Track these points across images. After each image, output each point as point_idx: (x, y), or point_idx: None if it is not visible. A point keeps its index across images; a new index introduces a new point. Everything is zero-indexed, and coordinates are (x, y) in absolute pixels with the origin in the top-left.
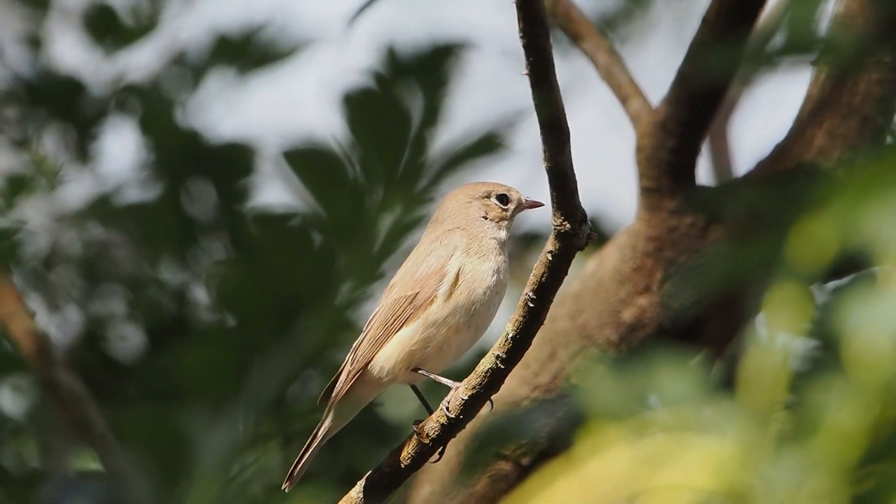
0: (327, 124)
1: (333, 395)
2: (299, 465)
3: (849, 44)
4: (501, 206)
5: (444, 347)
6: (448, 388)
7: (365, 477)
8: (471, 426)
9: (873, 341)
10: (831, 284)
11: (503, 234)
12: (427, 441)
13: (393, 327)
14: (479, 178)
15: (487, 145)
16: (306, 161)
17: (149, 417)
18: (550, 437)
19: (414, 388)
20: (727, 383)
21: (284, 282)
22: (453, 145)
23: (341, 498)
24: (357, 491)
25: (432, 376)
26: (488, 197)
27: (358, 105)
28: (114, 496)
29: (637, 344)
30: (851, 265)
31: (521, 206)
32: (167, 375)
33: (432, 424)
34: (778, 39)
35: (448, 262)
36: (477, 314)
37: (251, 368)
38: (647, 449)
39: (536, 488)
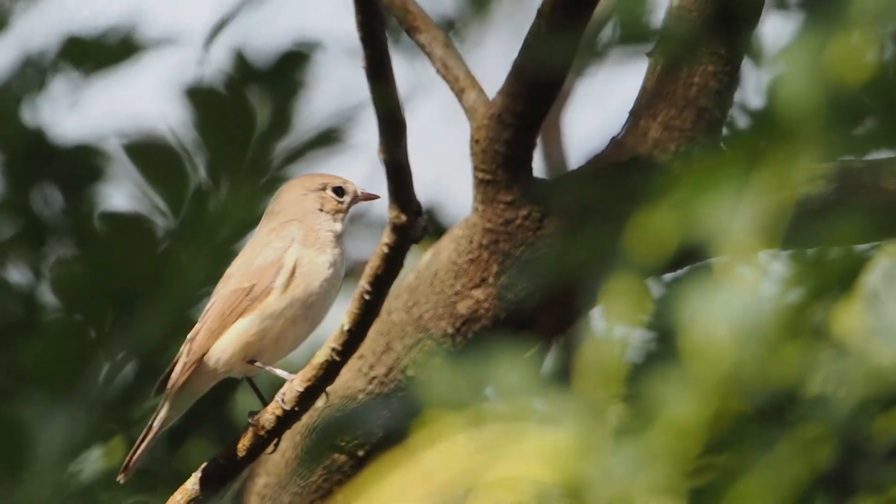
0: (172, 122)
1: (169, 385)
2: (134, 456)
3: (683, 35)
4: (337, 198)
5: (280, 339)
6: (283, 381)
7: (200, 468)
8: (307, 418)
9: (711, 333)
10: (667, 277)
11: (339, 226)
12: (262, 433)
13: (229, 319)
14: (317, 172)
15: (326, 139)
16: (146, 155)
17: None
18: (386, 430)
19: (249, 380)
20: (563, 374)
21: (125, 277)
22: (293, 141)
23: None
24: (192, 482)
25: (268, 368)
26: (324, 189)
27: (202, 102)
28: None
29: (473, 336)
30: (687, 257)
31: (356, 199)
32: (8, 369)
33: (268, 416)
34: (611, 31)
35: (285, 254)
36: (313, 306)
37: (90, 361)
38: (484, 440)
39: (373, 479)
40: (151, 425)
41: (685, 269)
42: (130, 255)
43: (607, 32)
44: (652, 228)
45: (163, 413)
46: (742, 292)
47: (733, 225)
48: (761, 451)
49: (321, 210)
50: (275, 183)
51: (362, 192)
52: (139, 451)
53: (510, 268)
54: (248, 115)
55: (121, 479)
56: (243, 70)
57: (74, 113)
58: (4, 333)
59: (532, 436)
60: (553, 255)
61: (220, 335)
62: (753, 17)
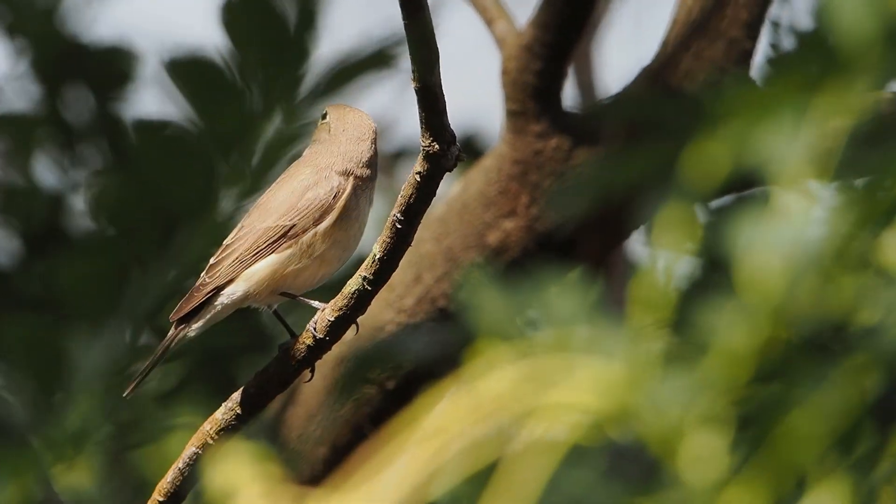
0: (206, 33)
1: (187, 307)
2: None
3: None
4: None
5: (312, 277)
6: (314, 310)
7: (231, 397)
8: (337, 350)
9: (764, 263)
10: (717, 204)
11: (375, 173)
12: (294, 363)
13: (263, 252)
14: (363, 98)
15: (379, 60)
16: (188, 71)
17: (26, 328)
18: (417, 360)
19: (276, 312)
20: (609, 302)
21: (164, 193)
22: (340, 58)
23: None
24: (222, 411)
25: (298, 298)
26: (371, 141)
27: (237, 12)
28: None
29: (503, 267)
30: (734, 185)
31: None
32: (45, 285)
33: (299, 346)
34: None
35: (332, 198)
36: (347, 249)
37: (130, 281)
38: (534, 369)
39: (424, 408)
40: (165, 345)
41: (732, 196)
42: (169, 169)
43: None
44: (706, 154)
45: (178, 333)
46: (794, 221)
47: (786, 153)
48: (811, 381)
49: (363, 158)
50: (316, 100)
51: None
52: (145, 370)
53: (539, 199)
54: (281, 23)
55: (127, 395)
56: None
57: (106, 17)
58: (36, 241)
59: (581, 365)
60: (591, 179)
61: (249, 265)
62: None
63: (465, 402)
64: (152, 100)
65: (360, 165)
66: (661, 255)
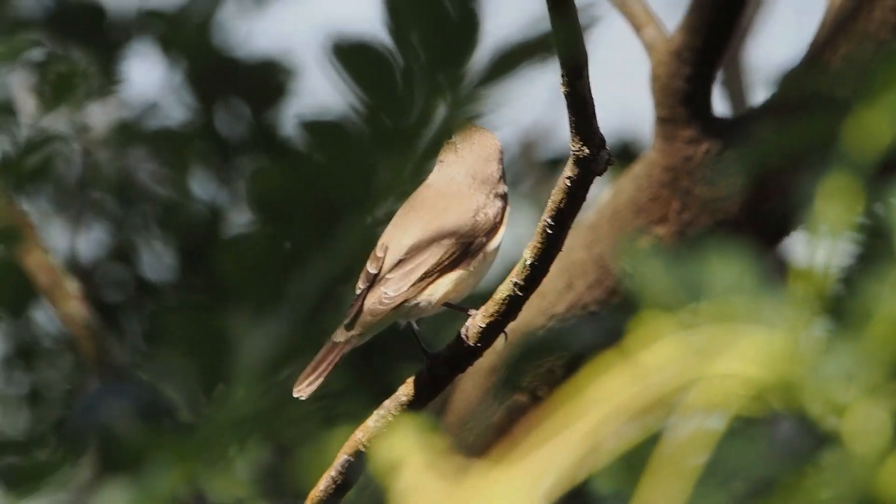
0: (368, 24)
1: (363, 315)
2: (319, 373)
3: None
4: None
5: (466, 290)
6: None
7: (381, 406)
8: (488, 358)
9: None
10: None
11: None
12: (444, 370)
13: (446, 268)
14: (525, 89)
15: (544, 44)
16: (352, 57)
17: (189, 319)
18: (569, 365)
19: (410, 323)
20: (777, 274)
21: (325, 187)
22: (503, 45)
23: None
24: (374, 419)
25: (454, 307)
26: (501, 161)
27: (402, 3)
28: (150, 401)
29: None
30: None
31: None
32: (205, 279)
33: (448, 353)
34: None
35: (499, 217)
36: (490, 265)
37: (291, 274)
38: (697, 340)
39: (587, 380)
40: (338, 348)
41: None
42: (331, 162)
43: None
44: (866, 125)
45: (351, 338)
46: None
47: None
48: None
49: (496, 177)
50: (482, 89)
51: None
52: (320, 370)
53: (691, 204)
54: (447, 22)
55: (301, 394)
56: None
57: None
58: (194, 253)
59: (744, 336)
60: (767, 143)
61: (433, 281)
62: None
63: (628, 374)
64: (313, 96)
65: (499, 184)
66: (823, 226)
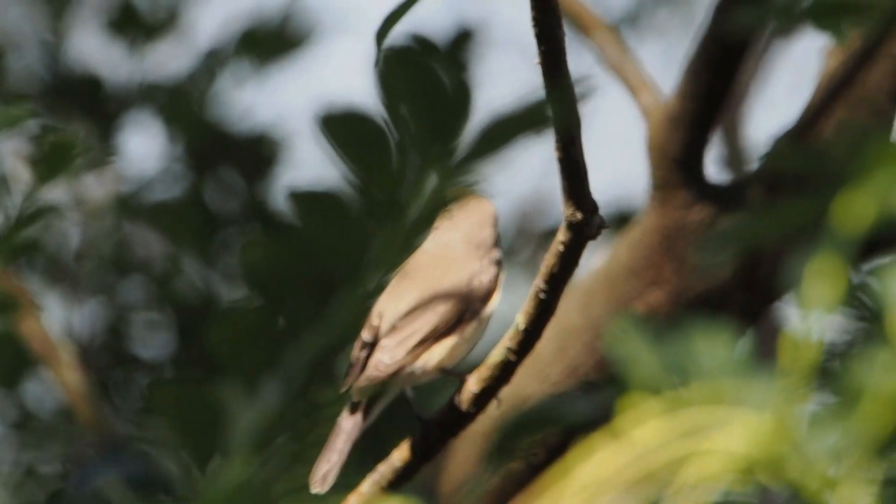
0: (361, 96)
1: (360, 380)
2: (332, 464)
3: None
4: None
5: (460, 356)
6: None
7: (376, 470)
8: (482, 424)
9: None
10: (863, 264)
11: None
12: (437, 435)
13: (442, 335)
14: (520, 158)
15: (536, 115)
16: (344, 126)
17: (182, 392)
18: (565, 432)
19: (403, 392)
20: (761, 355)
21: (318, 259)
22: (494, 116)
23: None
24: (366, 486)
25: (447, 372)
26: (495, 227)
27: (394, 74)
28: (143, 471)
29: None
30: (881, 244)
31: None
32: (200, 352)
33: (441, 418)
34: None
35: (493, 283)
36: (485, 332)
37: (284, 346)
38: (685, 421)
39: (576, 460)
40: (346, 434)
41: (884, 256)
42: (323, 234)
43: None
44: (854, 207)
45: (357, 423)
46: None
47: None
48: None
49: (490, 242)
50: (471, 161)
51: None
52: (334, 462)
53: (685, 269)
54: (440, 85)
55: (318, 488)
56: (424, 46)
57: (256, 103)
58: (188, 329)
59: (733, 417)
60: (738, 232)
61: (428, 347)
62: None
63: (617, 454)
64: (305, 168)
65: (494, 249)
66: (810, 307)
